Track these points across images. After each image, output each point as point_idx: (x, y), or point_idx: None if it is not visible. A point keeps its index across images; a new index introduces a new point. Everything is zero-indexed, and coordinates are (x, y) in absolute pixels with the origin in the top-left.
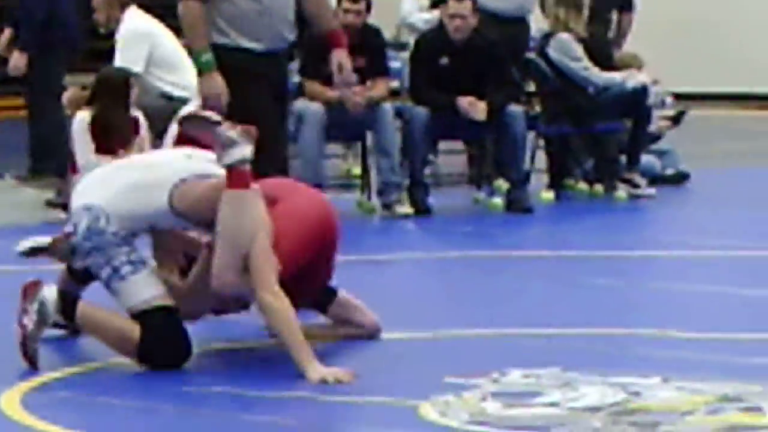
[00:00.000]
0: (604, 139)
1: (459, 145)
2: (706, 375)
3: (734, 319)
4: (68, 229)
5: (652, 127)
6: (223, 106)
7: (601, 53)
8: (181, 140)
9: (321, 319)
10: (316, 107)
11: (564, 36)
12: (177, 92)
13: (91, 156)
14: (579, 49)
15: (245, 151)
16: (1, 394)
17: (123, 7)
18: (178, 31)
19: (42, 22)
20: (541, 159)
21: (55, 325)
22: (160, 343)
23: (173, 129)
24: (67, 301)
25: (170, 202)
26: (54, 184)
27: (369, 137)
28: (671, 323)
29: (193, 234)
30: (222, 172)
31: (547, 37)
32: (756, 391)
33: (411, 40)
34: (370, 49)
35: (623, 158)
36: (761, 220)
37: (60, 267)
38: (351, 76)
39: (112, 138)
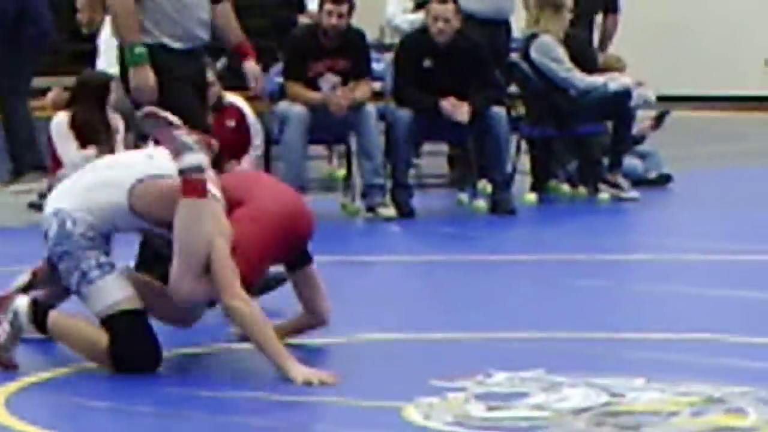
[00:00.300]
0: (586, 141)
1: (442, 146)
2: (690, 377)
3: (718, 320)
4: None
5: (635, 129)
6: (153, 100)
7: (585, 56)
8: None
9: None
10: (299, 109)
11: (546, 38)
12: None
13: (76, 153)
14: (561, 51)
15: (200, 158)
16: None
17: (106, 9)
18: None
19: (12, 19)
20: (524, 161)
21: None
22: (128, 348)
23: None
24: (39, 312)
25: (129, 201)
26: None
27: (352, 139)
28: (655, 325)
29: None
30: None
31: (530, 39)
32: (740, 392)
33: (396, 42)
34: (353, 51)
35: (606, 160)
36: (744, 222)
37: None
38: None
39: (87, 138)
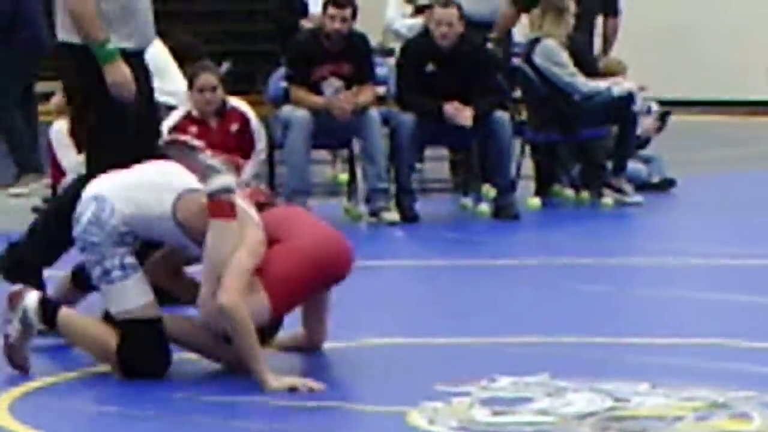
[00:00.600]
0: (590, 145)
1: (445, 151)
2: (695, 382)
3: (722, 325)
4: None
5: (639, 130)
6: (131, 94)
7: (586, 60)
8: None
9: None
10: (303, 113)
11: (549, 42)
12: (163, 98)
13: (76, 159)
14: (564, 56)
15: (228, 180)
16: None
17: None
18: (165, 37)
19: (6, 22)
20: (528, 166)
21: (41, 333)
22: (137, 356)
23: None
24: (48, 309)
25: (173, 208)
26: (35, 186)
27: (356, 144)
28: (659, 330)
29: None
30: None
31: (533, 43)
32: (744, 397)
33: (395, 46)
34: (356, 55)
35: (609, 165)
36: (748, 226)
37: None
38: None
39: None
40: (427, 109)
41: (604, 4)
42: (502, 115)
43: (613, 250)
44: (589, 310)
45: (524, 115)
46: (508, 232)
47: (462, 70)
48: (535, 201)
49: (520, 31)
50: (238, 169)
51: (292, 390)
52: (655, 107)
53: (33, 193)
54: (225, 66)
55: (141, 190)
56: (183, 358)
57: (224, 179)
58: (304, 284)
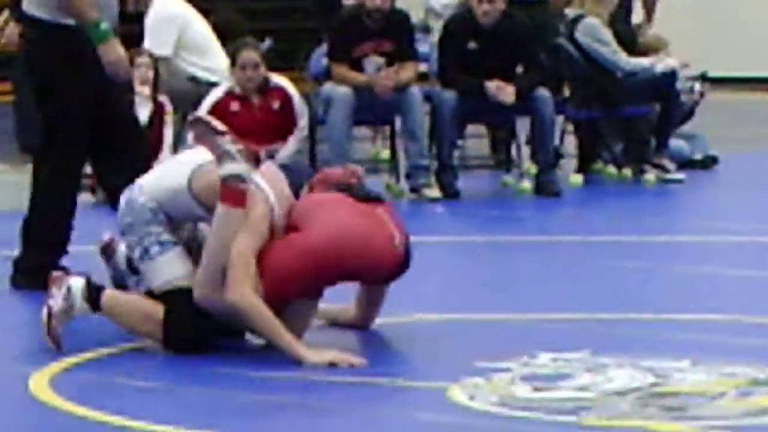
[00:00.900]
0: (632, 122)
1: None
2: (736, 358)
3: (763, 302)
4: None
5: (683, 98)
6: (127, 72)
7: (626, 37)
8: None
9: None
10: (344, 90)
11: (592, 20)
12: (205, 76)
13: None
14: (607, 33)
15: (241, 167)
16: (30, 376)
17: None
18: (207, 14)
19: None
20: (570, 143)
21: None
22: (182, 323)
23: (202, 111)
24: (93, 290)
25: (190, 179)
26: None
27: (397, 121)
28: (700, 307)
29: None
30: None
31: (575, 20)
32: None
33: (434, 24)
34: (397, 32)
35: (652, 142)
36: None
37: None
38: None
39: None
40: (468, 86)
41: None
42: (544, 93)
43: (654, 227)
44: (631, 287)
45: (566, 93)
46: (550, 209)
47: (504, 47)
48: (577, 178)
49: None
50: (257, 161)
51: (332, 365)
52: (697, 86)
53: None
54: (267, 43)
55: (167, 166)
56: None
57: (238, 166)
58: (301, 278)
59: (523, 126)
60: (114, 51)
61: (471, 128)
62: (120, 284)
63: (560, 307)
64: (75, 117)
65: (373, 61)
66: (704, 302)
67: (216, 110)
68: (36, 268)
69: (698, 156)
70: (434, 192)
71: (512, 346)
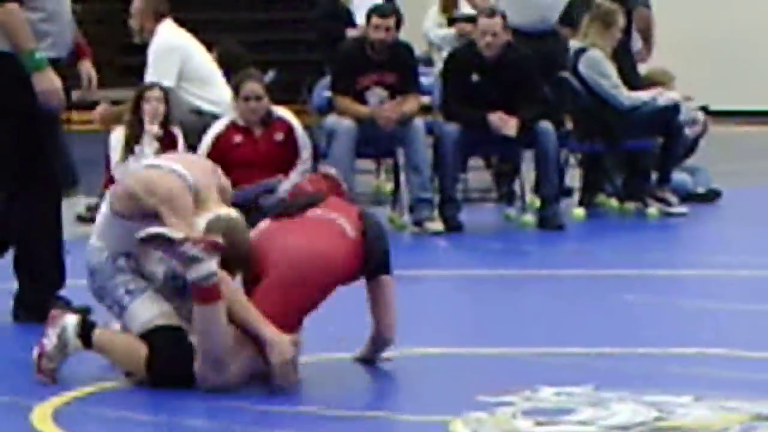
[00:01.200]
0: (635, 156)
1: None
2: (739, 393)
3: (766, 337)
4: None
5: (687, 131)
6: (61, 102)
7: (626, 67)
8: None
9: None
10: (347, 123)
11: (595, 53)
12: (208, 107)
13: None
14: (610, 67)
15: (211, 266)
16: (33, 409)
17: (158, 18)
18: (211, 46)
19: None
20: (573, 176)
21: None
22: (165, 360)
23: (203, 144)
24: (86, 327)
25: (110, 210)
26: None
27: (400, 153)
28: (703, 342)
29: None
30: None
31: (578, 53)
32: None
33: (436, 56)
34: (400, 65)
35: (654, 175)
36: None
37: None
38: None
39: None
40: (471, 119)
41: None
42: (547, 125)
43: (657, 261)
44: (633, 321)
45: (569, 125)
46: (553, 243)
47: (507, 79)
48: (580, 211)
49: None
50: (216, 249)
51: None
52: (701, 117)
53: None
54: (270, 75)
55: (100, 217)
56: None
57: (205, 267)
58: (297, 304)
59: (525, 159)
60: (47, 80)
61: (474, 161)
62: None
63: (563, 341)
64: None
65: (376, 94)
66: (707, 337)
67: (219, 142)
68: (35, 302)
69: (701, 189)
70: (437, 225)
71: (515, 380)
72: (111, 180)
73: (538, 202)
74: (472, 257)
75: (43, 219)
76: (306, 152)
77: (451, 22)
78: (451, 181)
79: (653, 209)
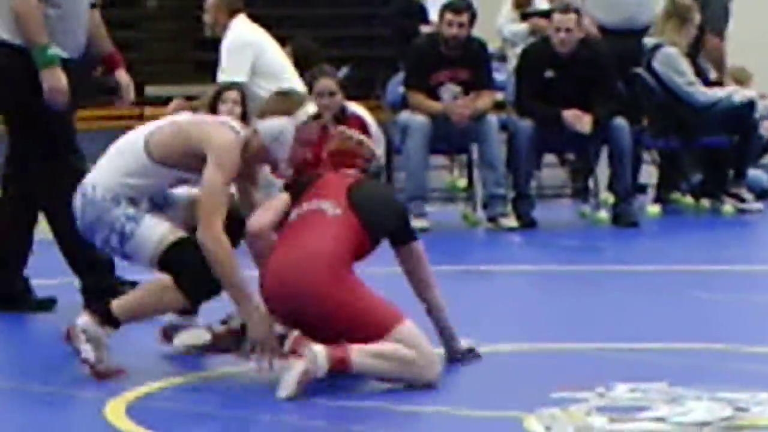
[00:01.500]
0: (710, 153)
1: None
2: None
3: None
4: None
5: (763, 129)
6: (65, 101)
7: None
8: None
9: None
10: (421, 119)
11: (671, 50)
12: None
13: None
14: (685, 64)
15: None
16: (106, 404)
17: (231, 14)
18: (284, 42)
19: None
20: (648, 173)
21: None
22: (193, 272)
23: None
24: (101, 312)
25: (146, 150)
26: None
27: (474, 149)
28: None
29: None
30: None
31: (653, 49)
32: None
33: (510, 52)
34: (474, 61)
35: (730, 173)
36: None
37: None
38: (129, 95)
39: None
40: (546, 115)
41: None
42: (622, 122)
43: (732, 258)
44: (708, 318)
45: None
46: (627, 239)
47: (581, 76)
48: (655, 208)
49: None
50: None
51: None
52: None
53: None
54: (344, 71)
55: (113, 157)
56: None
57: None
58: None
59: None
60: (55, 78)
61: (548, 157)
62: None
63: (637, 338)
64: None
65: (449, 90)
66: None
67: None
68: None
69: None
70: (511, 221)
71: (588, 376)
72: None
73: (612, 199)
74: (546, 253)
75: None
76: (380, 149)
77: (525, 17)
78: (525, 177)
79: (728, 206)
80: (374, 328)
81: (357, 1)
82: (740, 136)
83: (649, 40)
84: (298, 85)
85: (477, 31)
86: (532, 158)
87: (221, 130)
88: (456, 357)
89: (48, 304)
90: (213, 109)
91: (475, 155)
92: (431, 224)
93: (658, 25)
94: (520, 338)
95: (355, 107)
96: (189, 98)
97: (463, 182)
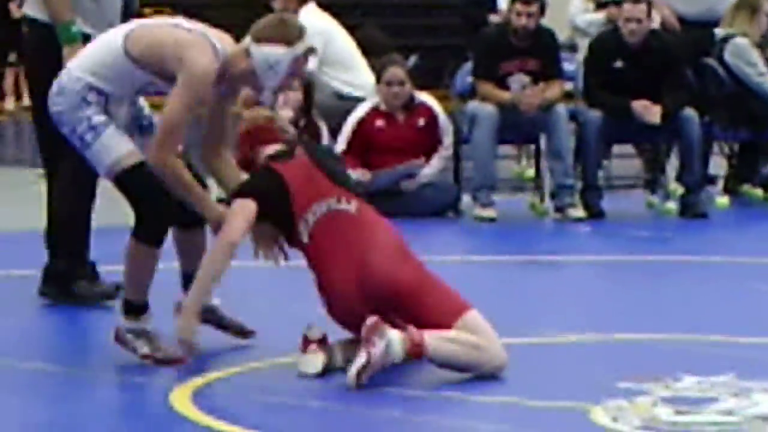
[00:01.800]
0: None
1: (631, 148)
2: None
3: None
4: None
5: None
6: None
7: None
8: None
9: None
10: (490, 109)
11: (741, 40)
12: (350, 91)
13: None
14: (755, 55)
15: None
16: (171, 391)
17: (301, 2)
18: (353, 30)
19: None
20: (717, 164)
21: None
22: (150, 198)
23: (346, 128)
24: (129, 308)
25: (124, 47)
26: None
27: (542, 140)
28: None
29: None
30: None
31: (724, 40)
32: None
33: (581, 42)
34: (543, 51)
35: None
36: None
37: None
38: None
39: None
40: (615, 105)
41: None
42: (691, 113)
43: None
44: None
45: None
46: (695, 231)
47: (650, 66)
48: (724, 200)
49: None
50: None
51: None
52: None
53: None
54: (412, 60)
55: (94, 44)
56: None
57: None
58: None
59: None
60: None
61: (617, 147)
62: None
63: (704, 329)
64: None
65: (518, 79)
66: None
67: (361, 126)
68: (63, 276)
69: None
70: (579, 212)
71: (655, 367)
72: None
73: (680, 190)
74: (614, 244)
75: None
76: (448, 138)
77: (600, 6)
78: (593, 167)
79: None
80: (444, 316)
81: None
82: None
83: (719, 31)
84: (366, 73)
85: (546, 21)
86: (600, 149)
87: (199, 54)
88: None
89: (113, 292)
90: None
91: (543, 145)
92: (499, 214)
93: (728, 15)
94: (587, 328)
95: (424, 96)
96: None
97: (531, 172)
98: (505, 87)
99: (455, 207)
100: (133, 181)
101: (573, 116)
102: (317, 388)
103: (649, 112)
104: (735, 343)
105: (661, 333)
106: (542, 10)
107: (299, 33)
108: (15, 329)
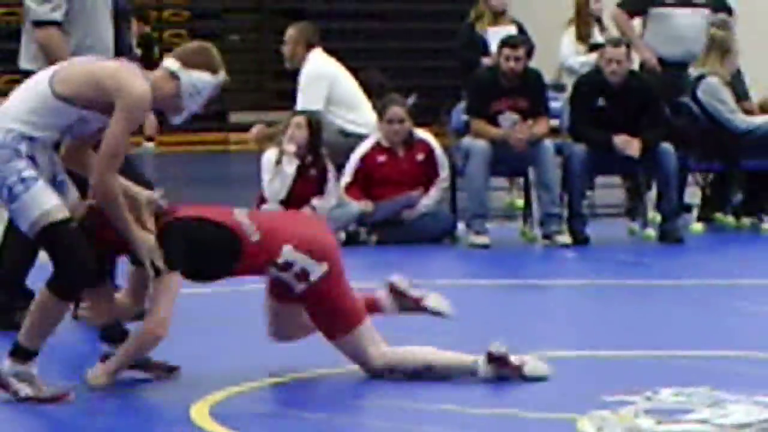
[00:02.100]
0: (750, 175)
1: (614, 179)
2: None
3: None
4: None
5: None
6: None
7: (740, 92)
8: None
9: None
10: (482, 144)
11: (713, 80)
12: (353, 128)
13: (277, 186)
14: (726, 93)
15: None
16: (191, 406)
17: (309, 47)
18: (356, 72)
19: None
20: (692, 194)
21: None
22: (69, 255)
23: (351, 163)
24: (17, 352)
25: (52, 89)
26: None
27: (531, 172)
28: None
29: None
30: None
31: (697, 79)
32: None
33: (569, 81)
34: (531, 90)
35: None
36: None
37: None
38: None
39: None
40: (598, 140)
41: None
42: (668, 147)
43: None
44: (748, 327)
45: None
46: (673, 255)
47: (631, 104)
48: (699, 226)
49: None
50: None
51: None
52: None
53: None
54: (411, 99)
55: (16, 100)
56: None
57: None
58: None
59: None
60: None
61: (600, 178)
62: None
63: (681, 346)
64: None
65: (508, 117)
66: None
67: (365, 161)
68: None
69: None
70: (565, 238)
71: (637, 381)
72: (262, 198)
73: (659, 218)
74: (598, 268)
75: None
76: (444, 171)
77: (593, 48)
78: (578, 197)
79: (767, 225)
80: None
81: (424, 36)
82: None
83: (693, 71)
84: (369, 112)
85: (534, 63)
86: (585, 180)
87: (135, 80)
88: None
89: None
90: (285, 132)
91: (532, 177)
92: (491, 241)
93: (701, 56)
94: (574, 346)
95: (423, 133)
96: (269, 124)
97: (520, 202)
98: (496, 124)
99: (451, 234)
100: (57, 236)
101: (559, 150)
102: (330, 401)
103: (630, 146)
104: (710, 357)
105: (642, 350)
106: (529, 54)
107: (221, 63)
108: None
